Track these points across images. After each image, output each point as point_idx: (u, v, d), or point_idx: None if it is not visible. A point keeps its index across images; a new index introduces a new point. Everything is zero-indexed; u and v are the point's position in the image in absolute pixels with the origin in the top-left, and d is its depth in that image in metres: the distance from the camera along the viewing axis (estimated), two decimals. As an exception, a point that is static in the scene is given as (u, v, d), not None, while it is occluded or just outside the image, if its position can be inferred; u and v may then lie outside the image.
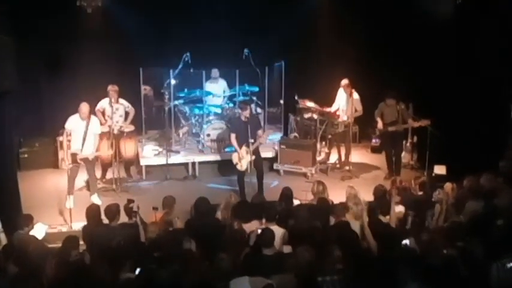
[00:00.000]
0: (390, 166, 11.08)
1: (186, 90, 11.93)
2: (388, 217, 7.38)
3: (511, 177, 8.65)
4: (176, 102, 11.73)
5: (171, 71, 11.23)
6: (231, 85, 12.23)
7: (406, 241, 6.48)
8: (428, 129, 10.50)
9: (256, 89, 12.04)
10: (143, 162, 11.01)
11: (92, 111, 9.88)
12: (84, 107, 9.48)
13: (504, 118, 10.92)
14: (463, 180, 8.57)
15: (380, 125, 10.91)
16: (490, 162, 9.43)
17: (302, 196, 8.72)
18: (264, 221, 7.14)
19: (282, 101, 12.33)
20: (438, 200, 7.93)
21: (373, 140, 12.62)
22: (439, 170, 10.38)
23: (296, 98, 12.04)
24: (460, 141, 10.38)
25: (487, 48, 10.27)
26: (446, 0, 11.07)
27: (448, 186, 8.43)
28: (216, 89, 12.25)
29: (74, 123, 9.58)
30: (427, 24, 11.07)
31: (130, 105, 10.66)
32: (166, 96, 11.24)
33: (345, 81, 11.13)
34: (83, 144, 9.48)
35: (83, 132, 9.48)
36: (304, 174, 11.04)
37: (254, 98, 12.16)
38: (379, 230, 7.00)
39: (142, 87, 11.67)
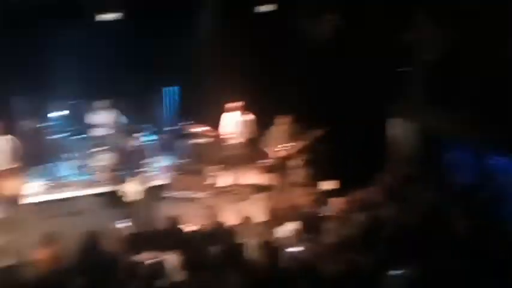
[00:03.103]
0: (281, 185, 11.16)
1: (72, 121, 11.53)
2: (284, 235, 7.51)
3: (392, 190, 9.06)
4: (62, 133, 11.29)
5: (55, 102, 10.84)
6: (119, 114, 11.97)
7: (293, 249, 6.60)
8: (315, 146, 10.78)
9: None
10: (28, 199, 10.46)
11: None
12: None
13: (383, 134, 11.52)
14: (349, 194, 8.88)
15: (275, 152, 10.89)
16: (374, 176, 9.85)
17: (196, 221, 8.65)
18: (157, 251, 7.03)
19: (172, 127, 12.21)
20: (327, 214, 8.14)
21: (264, 161, 12.75)
22: (328, 185, 10.65)
23: (187, 123, 11.97)
24: (346, 157, 10.75)
25: (363, 68, 10.79)
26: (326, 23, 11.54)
27: (336, 201, 8.69)
28: (103, 120, 11.93)
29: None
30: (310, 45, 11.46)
31: (13, 139, 10.15)
32: (53, 128, 10.81)
33: (235, 105, 11.21)
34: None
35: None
36: (197, 199, 10.96)
37: (143, 126, 11.96)
38: (272, 248, 7.07)
39: (25, 120, 11.13)
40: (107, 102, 11.73)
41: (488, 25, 9.07)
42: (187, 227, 8.19)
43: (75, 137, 11.57)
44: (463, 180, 9.71)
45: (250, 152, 12.85)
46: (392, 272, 5.71)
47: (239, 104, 11.22)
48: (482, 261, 6.20)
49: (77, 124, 11.58)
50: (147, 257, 6.75)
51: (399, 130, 11.56)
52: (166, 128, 12.35)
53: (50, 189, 10.53)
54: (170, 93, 11.90)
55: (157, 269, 6.18)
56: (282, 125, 10.86)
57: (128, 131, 11.14)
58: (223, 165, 12.02)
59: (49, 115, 11.02)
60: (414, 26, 10.52)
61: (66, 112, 11.18)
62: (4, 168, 9.89)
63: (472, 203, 8.31)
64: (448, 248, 6.41)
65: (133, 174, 9.52)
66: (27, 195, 10.48)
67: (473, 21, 9.28)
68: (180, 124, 12.12)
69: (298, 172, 11.72)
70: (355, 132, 10.81)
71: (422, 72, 10.75)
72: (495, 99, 8.66)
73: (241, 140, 11.19)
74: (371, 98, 10.54)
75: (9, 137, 10.06)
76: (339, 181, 10.53)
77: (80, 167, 11.39)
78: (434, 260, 6.22)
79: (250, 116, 11.24)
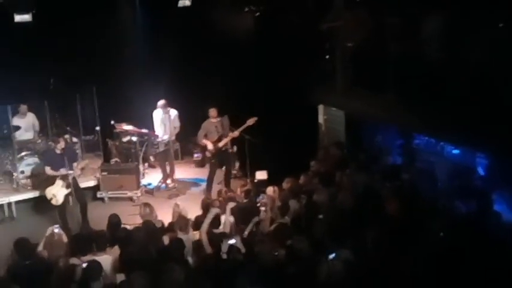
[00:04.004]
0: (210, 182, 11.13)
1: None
2: (221, 227, 7.52)
3: (322, 175, 9.24)
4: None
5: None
6: (40, 118, 11.61)
7: (232, 241, 6.63)
8: (245, 137, 10.86)
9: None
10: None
11: None
12: None
13: (313, 120, 11.73)
14: (283, 182, 9.00)
15: (210, 145, 10.84)
16: (306, 163, 10.02)
17: (130, 221, 8.53)
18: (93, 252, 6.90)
19: (97, 128, 11.99)
20: (262, 204, 8.22)
21: (195, 155, 12.76)
22: (261, 175, 10.75)
23: (112, 122, 11.75)
24: (276, 145, 10.89)
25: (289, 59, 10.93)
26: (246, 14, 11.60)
27: (270, 189, 8.77)
28: (25, 124, 11.53)
29: None
30: (232, 36, 11.49)
31: None
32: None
33: (161, 102, 11.13)
34: None
35: None
36: (130, 198, 10.83)
37: (68, 128, 11.67)
38: (214, 241, 7.08)
39: None
40: (25, 107, 11.36)
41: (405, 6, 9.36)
42: (123, 226, 8.02)
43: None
44: (391, 161, 10.04)
45: (181, 147, 12.86)
46: (329, 255, 5.82)
47: (163, 100, 11.12)
48: (412, 237, 6.46)
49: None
50: (83, 260, 6.58)
51: (326, 116, 11.81)
52: (93, 128, 12.08)
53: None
54: (93, 93, 11.59)
55: (94, 270, 6.05)
56: (212, 118, 10.84)
57: (54, 133, 10.81)
58: (155, 162, 11.97)
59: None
60: (336, 11, 10.73)
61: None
62: None
63: (400, 182, 8.59)
64: (381, 227, 6.60)
65: (62, 177, 9.26)
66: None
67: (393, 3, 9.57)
68: (107, 124, 11.87)
69: (232, 164, 11.80)
70: (285, 120, 10.94)
71: (346, 57, 10.99)
72: (418, 80, 8.94)
73: (171, 135, 11.12)
74: (297, 86, 10.69)
75: None
76: (272, 170, 10.65)
77: (6, 173, 11.00)
78: (368, 240, 6.41)
79: (175, 112, 11.18)
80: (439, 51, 8.69)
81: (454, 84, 8.30)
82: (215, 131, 10.91)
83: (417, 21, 9.09)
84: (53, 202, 9.45)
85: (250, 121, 10.70)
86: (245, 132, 10.83)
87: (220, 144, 10.89)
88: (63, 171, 9.29)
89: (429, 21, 8.96)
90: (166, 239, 7.25)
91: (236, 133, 10.89)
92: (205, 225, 7.20)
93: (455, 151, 9.10)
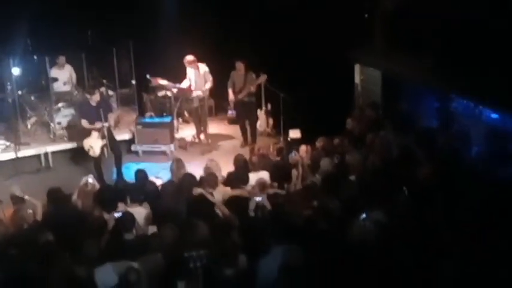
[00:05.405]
0: (245, 134, 11.35)
1: (30, 78, 11.23)
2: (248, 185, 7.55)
3: (356, 135, 9.14)
4: (20, 91, 11.00)
5: (10, 59, 10.51)
6: (78, 69, 11.72)
7: (258, 198, 6.66)
8: (281, 96, 10.80)
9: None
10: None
11: None
12: None
13: (349, 80, 11.56)
14: (315, 142, 8.95)
15: (231, 95, 11.09)
16: (340, 123, 9.94)
17: (163, 174, 8.64)
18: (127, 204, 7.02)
19: (133, 81, 12.07)
20: (294, 161, 8.20)
21: (229, 112, 12.68)
22: (294, 134, 10.69)
23: (148, 76, 11.79)
24: (311, 105, 10.80)
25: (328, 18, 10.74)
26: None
27: (302, 148, 8.74)
28: (63, 76, 11.66)
29: None
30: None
31: None
32: (9, 87, 10.55)
33: (188, 58, 11.11)
34: None
35: None
36: (164, 153, 10.93)
37: (104, 81, 11.76)
38: (241, 198, 7.14)
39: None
40: (63, 58, 11.46)
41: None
42: (156, 180, 8.13)
43: (35, 94, 11.32)
44: (427, 123, 9.86)
45: (215, 104, 12.88)
46: (360, 216, 5.79)
47: (191, 56, 11.10)
48: (446, 203, 6.36)
49: (35, 81, 11.30)
50: (116, 211, 6.70)
51: (363, 76, 11.62)
52: (129, 82, 12.16)
53: (14, 147, 10.27)
54: (129, 48, 11.63)
55: (127, 221, 6.15)
56: (239, 71, 10.93)
57: (90, 85, 10.92)
58: (188, 118, 12.02)
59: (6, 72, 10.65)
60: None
61: (20, 70, 10.82)
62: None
63: (436, 145, 8.45)
64: (414, 190, 6.53)
65: (99, 129, 9.38)
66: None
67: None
68: (142, 78, 11.92)
69: (265, 121, 11.80)
70: (321, 79, 10.81)
71: (384, 19, 10.74)
72: (458, 43, 8.70)
73: (203, 91, 11.13)
74: (333, 45, 10.51)
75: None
76: (304, 129, 10.60)
77: (43, 124, 11.19)
78: (400, 202, 6.35)
79: (204, 67, 11.17)
80: (482, 15, 8.39)
81: (495, 49, 8.05)
82: (239, 83, 10.98)
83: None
84: (91, 153, 9.58)
85: (262, 78, 10.81)
86: (280, 90, 10.77)
87: (239, 96, 10.92)
88: (98, 124, 9.40)
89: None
90: (196, 194, 7.31)
91: (252, 88, 10.90)
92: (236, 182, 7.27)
93: (494, 115, 8.87)
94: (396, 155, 8.09)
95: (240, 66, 10.94)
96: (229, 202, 7.10)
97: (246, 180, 7.55)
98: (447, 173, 7.17)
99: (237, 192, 7.32)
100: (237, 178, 7.57)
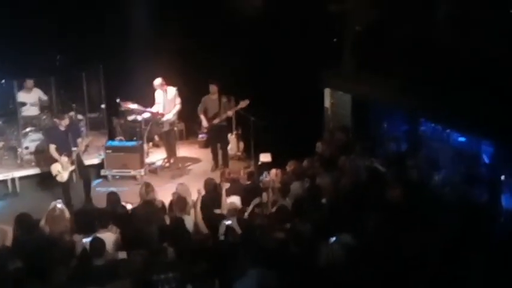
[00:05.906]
0: (216, 158, 11.36)
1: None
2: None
3: (326, 158, 9.20)
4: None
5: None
6: (46, 93, 11.59)
7: (228, 222, 6.64)
8: (251, 119, 10.83)
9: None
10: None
11: None
12: None
13: (319, 104, 11.67)
14: (286, 165, 8.98)
15: (204, 122, 11.07)
16: (311, 147, 10.00)
17: (133, 199, 8.54)
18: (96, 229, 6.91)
19: (103, 106, 11.99)
20: (265, 185, 8.20)
21: (200, 136, 12.75)
22: (265, 157, 10.71)
23: (118, 100, 11.72)
24: (282, 128, 10.87)
25: (297, 42, 10.86)
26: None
27: (273, 172, 8.75)
28: (31, 99, 11.50)
29: None
30: (240, 19, 11.43)
31: None
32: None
33: (157, 81, 11.11)
34: None
35: None
36: (134, 177, 10.84)
37: (73, 105, 11.66)
38: (213, 223, 7.10)
39: None
40: (31, 82, 11.33)
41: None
42: (126, 205, 8.03)
43: (2, 118, 11.16)
44: (395, 147, 9.98)
45: (186, 127, 12.86)
46: (329, 240, 5.81)
47: (159, 79, 11.11)
48: (414, 224, 6.42)
49: (3, 105, 11.16)
50: (85, 236, 6.59)
51: (333, 100, 11.74)
52: (98, 106, 12.08)
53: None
54: (99, 71, 11.58)
55: (97, 247, 6.06)
56: (212, 94, 10.96)
57: (59, 110, 10.81)
58: (158, 142, 11.97)
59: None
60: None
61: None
62: None
63: (404, 168, 8.55)
64: (383, 213, 6.57)
65: (67, 154, 9.27)
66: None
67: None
68: (112, 102, 11.83)
69: (236, 145, 11.81)
70: (291, 103, 10.90)
71: (354, 41, 10.90)
72: (426, 65, 8.85)
73: (172, 115, 11.12)
74: (303, 69, 10.62)
75: None
76: (275, 153, 10.63)
77: (10, 148, 11.01)
78: (370, 225, 6.39)
79: (173, 90, 11.17)
80: (448, 36, 8.58)
81: (462, 71, 8.21)
82: (213, 108, 10.95)
83: (427, 5, 8.99)
84: (58, 178, 9.44)
85: (243, 103, 10.79)
86: (251, 114, 10.81)
87: (215, 121, 10.91)
88: (66, 152, 9.29)
89: (440, 5, 8.86)
90: (167, 219, 7.28)
91: (230, 113, 10.93)
92: (197, 208, 7.23)
93: (461, 138, 9.03)
94: (365, 177, 8.16)
95: (213, 89, 10.96)
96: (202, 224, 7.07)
97: (218, 203, 7.53)
98: (415, 195, 7.26)
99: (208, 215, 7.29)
100: (210, 201, 7.53)
